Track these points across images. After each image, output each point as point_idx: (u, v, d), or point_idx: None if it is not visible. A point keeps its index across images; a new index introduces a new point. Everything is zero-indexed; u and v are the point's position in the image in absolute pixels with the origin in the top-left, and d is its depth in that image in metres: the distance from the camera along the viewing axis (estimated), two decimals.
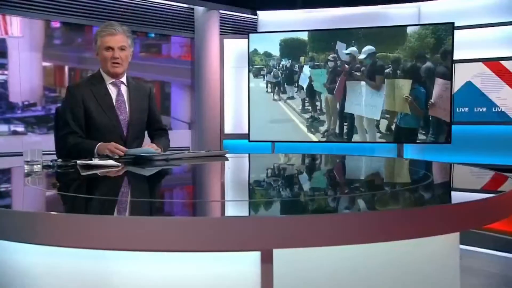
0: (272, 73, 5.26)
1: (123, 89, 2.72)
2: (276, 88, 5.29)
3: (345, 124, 5.08)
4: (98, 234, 1.10)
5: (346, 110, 5.05)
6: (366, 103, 4.99)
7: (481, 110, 5.01)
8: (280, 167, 2.54)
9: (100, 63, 2.69)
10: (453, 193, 1.70)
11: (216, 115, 5.72)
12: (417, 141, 4.93)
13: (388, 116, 4.94)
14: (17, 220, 1.16)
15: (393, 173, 2.25)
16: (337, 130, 5.11)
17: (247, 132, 5.38)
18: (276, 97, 5.30)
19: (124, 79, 2.73)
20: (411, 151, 5.39)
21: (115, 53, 2.60)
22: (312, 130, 5.19)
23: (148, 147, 2.59)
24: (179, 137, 5.68)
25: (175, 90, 5.84)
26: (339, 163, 2.64)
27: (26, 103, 4.76)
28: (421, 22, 5.31)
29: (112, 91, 2.69)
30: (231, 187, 1.86)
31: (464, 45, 4.97)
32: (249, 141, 5.30)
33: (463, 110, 5.08)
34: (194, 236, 1.08)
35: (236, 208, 1.37)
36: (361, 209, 1.33)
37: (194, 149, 5.77)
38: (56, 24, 4.92)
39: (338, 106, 5.08)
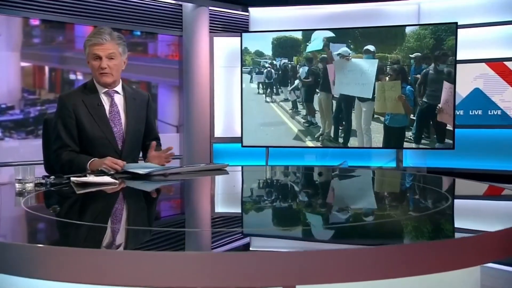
0: (264, 73, 5.26)
1: (117, 99, 2.69)
2: (269, 89, 5.29)
3: (340, 128, 5.10)
4: (109, 269, 1.10)
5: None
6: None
7: (487, 113, 5.06)
8: (290, 187, 2.50)
9: (91, 72, 2.67)
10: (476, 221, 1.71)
11: (206, 118, 5.70)
12: (419, 147, 4.95)
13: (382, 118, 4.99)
14: (19, 253, 1.15)
15: (411, 197, 2.23)
16: (332, 134, 5.13)
17: (238, 135, 5.36)
18: (268, 99, 5.31)
19: (118, 88, 2.70)
20: (410, 156, 5.44)
21: (103, 62, 2.56)
22: (307, 134, 5.20)
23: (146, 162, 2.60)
24: (167, 141, 5.57)
25: (162, 91, 5.82)
26: (350, 181, 2.62)
27: (3, 106, 4.71)
28: (421, 20, 5.35)
29: (106, 101, 2.65)
30: (244, 212, 1.84)
31: (466, 45, 5.00)
32: (242, 146, 5.28)
33: (466, 113, 5.13)
34: (213, 272, 1.08)
35: (255, 240, 1.36)
36: (387, 242, 1.33)
37: (183, 154, 5.75)
38: (35, 22, 4.87)
39: (331, 107, 5.09)
